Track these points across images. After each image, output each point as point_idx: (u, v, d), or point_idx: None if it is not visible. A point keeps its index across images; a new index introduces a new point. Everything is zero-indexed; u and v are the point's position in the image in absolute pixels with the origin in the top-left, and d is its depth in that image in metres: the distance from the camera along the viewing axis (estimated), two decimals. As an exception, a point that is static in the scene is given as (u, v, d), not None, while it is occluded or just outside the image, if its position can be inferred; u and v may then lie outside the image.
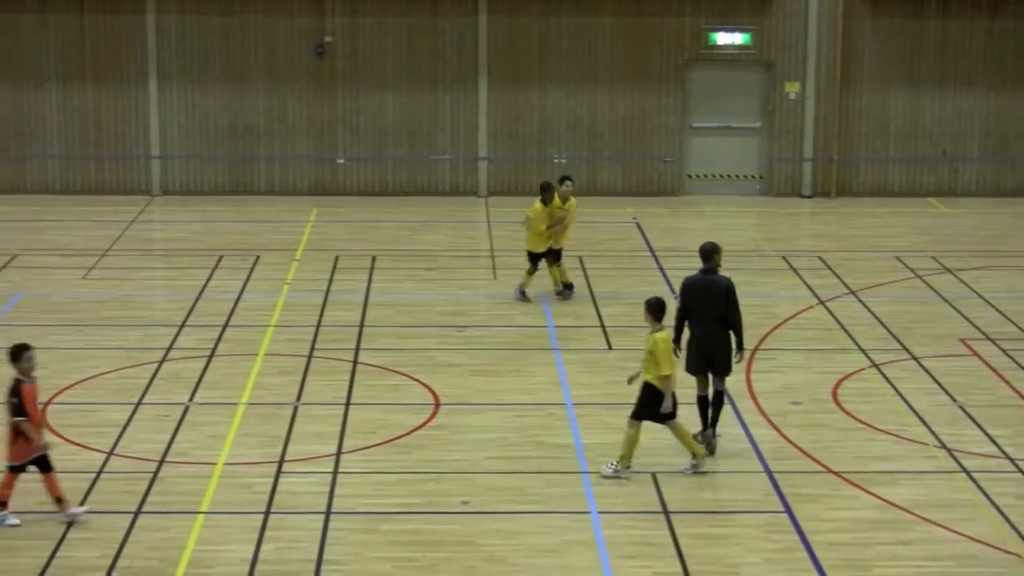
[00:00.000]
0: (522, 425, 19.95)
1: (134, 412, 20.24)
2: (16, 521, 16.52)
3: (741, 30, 35.28)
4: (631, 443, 17.99)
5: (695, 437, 18.48)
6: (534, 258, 25.88)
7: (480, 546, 16.20)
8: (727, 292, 18.63)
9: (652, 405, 17.91)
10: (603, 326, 24.56)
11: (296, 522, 16.75)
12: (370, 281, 27.34)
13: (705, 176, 36.10)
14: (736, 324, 18.68)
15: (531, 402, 20.87)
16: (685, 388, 18.78)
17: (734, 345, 18.75)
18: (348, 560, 15.82)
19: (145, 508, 17.02)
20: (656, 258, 29.26)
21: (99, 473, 18.03)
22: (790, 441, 19.40)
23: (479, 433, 19.68)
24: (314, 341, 23.60)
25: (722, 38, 35.31)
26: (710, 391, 18.89)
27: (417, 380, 21.71)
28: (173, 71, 35.20)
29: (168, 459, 18.53)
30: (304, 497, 17.45)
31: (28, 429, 16.44)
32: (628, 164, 35.79)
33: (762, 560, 15.96)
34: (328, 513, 16.95)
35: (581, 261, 28.84)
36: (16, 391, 16.48)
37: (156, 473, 18.07)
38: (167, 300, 26.33)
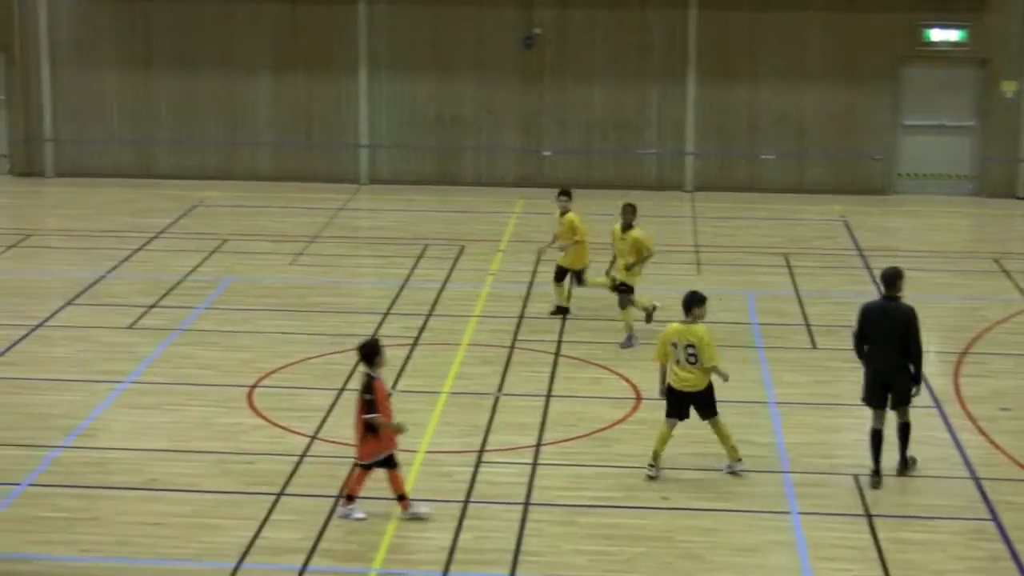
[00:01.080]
0: (724, 422, 19.74)
1: (338, 397, 20.45)
2: (362, 515, 16.48)
3: (957, 26, 34.59)
4: (724, 438, 17.98)
5: (872, 475, 17.65)
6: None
7: (678, 542, 16.08)
8: (907, 321, 17.36)
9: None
10: (808, 324, 24.25)
11: (495, 512, 16.77)
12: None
13: (916, 175, 35.48)
14: (916, 356, 17.41)
15: (733, 399, 20.62)
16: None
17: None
18: (545, 552, 15.80)
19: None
20: (864, 258, 28.81)
21: (302, 456, 18.25)
22: (998, 448, 18.95)
23: (680, 429, 19.44)
24: (516, 332, 23.65)
25: (937, 34, 34.68)
26: (896, 425, 17.80)
27: (618, 374, 21.64)
28: (383, 61, 35.58)
29: (370, 445, 18.67)
30: (503, 487, 17.48)
31: (383, 423, 16.30)
32: (837, 162, 35.32)
33: (966, 568, 15.60)
34: (527, 504, 16.96)
35: (787, 259, 28.55)
36: (370, 387, 16.28)
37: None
38: (373, 287, 26.59)
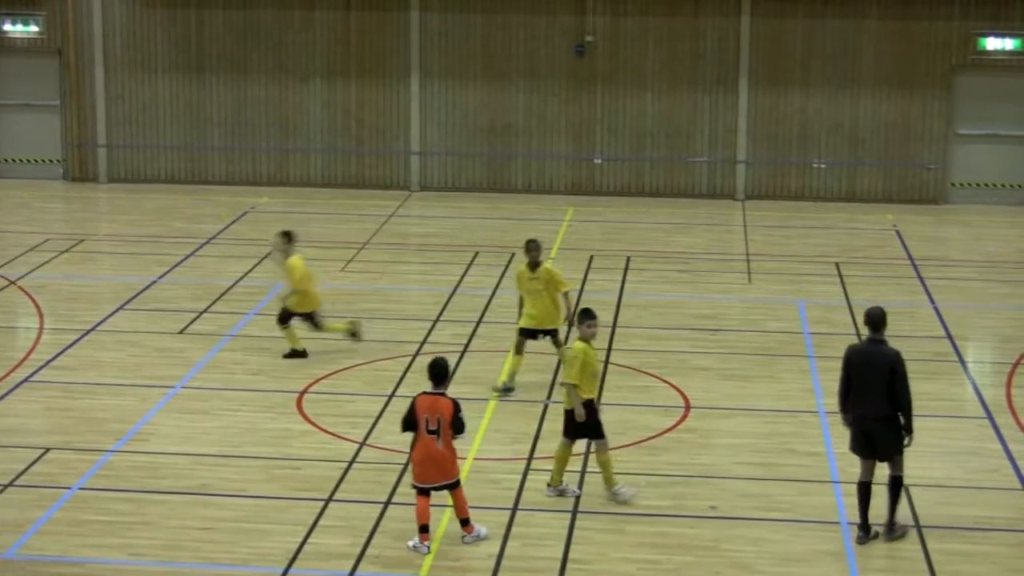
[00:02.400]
0: (773, 431, 19.71)
1: (387, 404, 20.48)
2: (486, 530, 16.34)
3: (1012, 35, 34.37)
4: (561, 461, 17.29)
5: (858, 528, 16.33)
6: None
7: (726, 552, 16.01)
8: (892, 367, 15.86)
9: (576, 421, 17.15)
10: (859, 334, 24.12)
11: (543, 520, 16.74)
12: (624, 281, 27.30)
13: (969, 184, 35.27)
14: (903, 405, 15.89)
15: (783, 408, 20.61)
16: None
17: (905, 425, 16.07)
18: (593, 560, 15.76)
19: (395, 499, 17.18)
20: (916, 267, 28.65)
21: (351, 463, 18.28)
22: (1051, 459, 18.83)
23: (729, 438, 19.49)
24: (566, 340, 23.59)
25: (992, 43, 34.47)
26: (885, 476, 16.31)
27: (667, 382, 21.59)
28: (435, 69, 35.63)
29: (418, 451, 18.68)
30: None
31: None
32: (889, 170, 35.16)
33: (1018, 580, 15.52)
34: (575, 512, 16.92)
35: (838, 267, 28.42)
36: (459, 406, 16.01)
37: (407, 465, 18.20)
38: (422, 294, 26.62)
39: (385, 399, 20.66)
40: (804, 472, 18.25)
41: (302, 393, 20.90)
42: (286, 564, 15.52)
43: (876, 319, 16.20)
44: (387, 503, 17.05)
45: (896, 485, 16.21)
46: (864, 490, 16.21)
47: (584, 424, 17.10)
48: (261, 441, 19.08)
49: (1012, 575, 15.60)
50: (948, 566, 15.70)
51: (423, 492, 15.95)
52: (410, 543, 15.85)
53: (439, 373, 16.02)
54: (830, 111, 35.06)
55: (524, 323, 20.98)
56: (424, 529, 15.85)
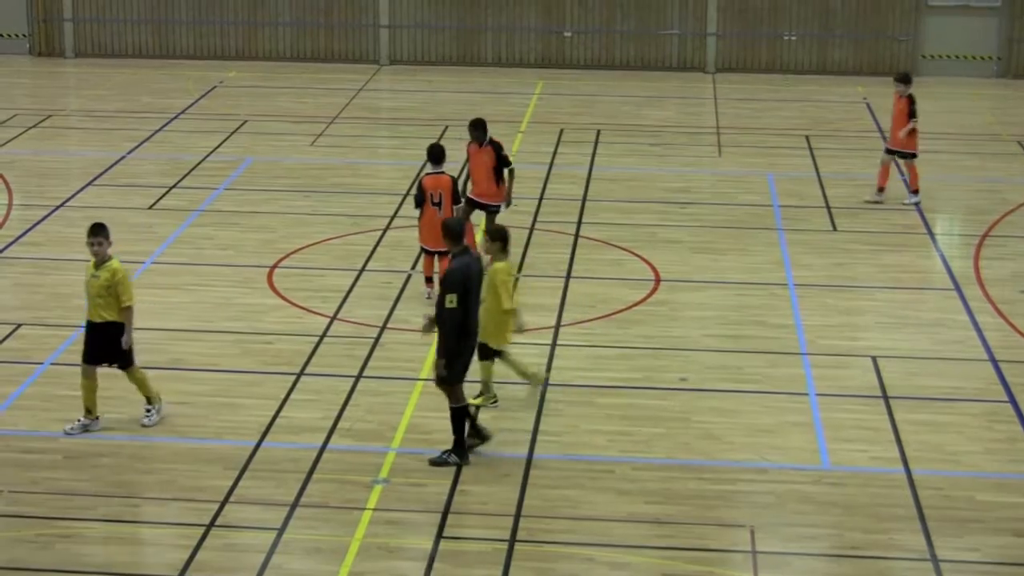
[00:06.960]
0: (742, 304, 19.80)
1: (357, 278, 20.50)
2: None
3: (984, -95, 34.19)
4: (143, 384, 16.00)
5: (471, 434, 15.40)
6: None
7: (696, 423, 16.16)
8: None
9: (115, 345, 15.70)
10: (828, 207, 24.19)
11: (514, 392, 16.82)
12: (594, 155, 27.27)
13: (940, 56, 35.16)
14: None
15: (752, 281, 20.69)
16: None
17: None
18: (564, 432, 15.88)
19: (366, 373, 17.27)
20: (886, 140, 28.60)
21: (322, 337, 18.33)
22: (1017, 330, 18.93)
23: (699, 310, 19.58)
24: (536, 213, 23.63)
25: (964, -88, 34.29)
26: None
27: (638, 255, 21.64)
28: (404, -60, 35.30)
29: (389, 326, 18.75)
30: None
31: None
32: (860, 43, 35.00)
33: (983, 449, 15.65)
34: (546, 384, 16.99)
35: (808, 140, 28.41)
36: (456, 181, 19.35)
37: (377, 339, 18.31)
38: (392, 168, 26.54)
39: (355, 273, 20.68)
40: (773, 344, 18.36)
41: (273, 268, 20.89)
42: (259, 437, 15.61)
43: (453, 231, 15.10)
44: (358, 376, 17.13)
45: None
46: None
47: (118, 351, 15.76)
48: (233, 316, 19.10)
49: (977, 444, 15.77)
50: (915, 436, 15.85)
51: (428, 253, 19.31)
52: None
53: (437, 154, 19.37)
54: (801, -17, 34.89)
55: None
56: (428, 280, 19.36)
